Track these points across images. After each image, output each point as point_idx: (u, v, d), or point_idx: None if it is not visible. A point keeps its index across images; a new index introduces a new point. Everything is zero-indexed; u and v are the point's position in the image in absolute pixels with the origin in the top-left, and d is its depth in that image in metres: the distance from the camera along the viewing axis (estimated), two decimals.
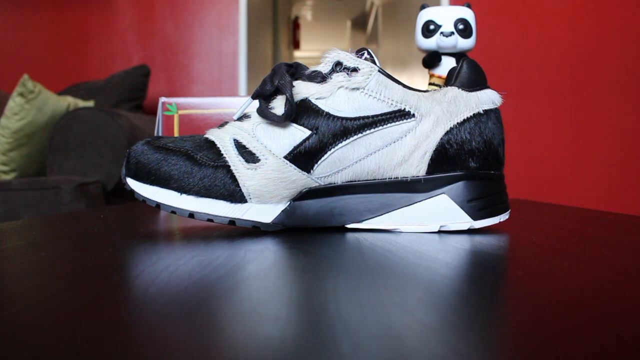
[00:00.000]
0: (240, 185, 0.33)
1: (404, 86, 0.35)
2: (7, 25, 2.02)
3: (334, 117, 0.34)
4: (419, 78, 1.75)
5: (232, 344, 0.13)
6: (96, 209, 0.59)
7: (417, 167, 0.35)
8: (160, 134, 0.57)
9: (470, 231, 0.36)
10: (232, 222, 0.34)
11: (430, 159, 0.35)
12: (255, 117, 0.35)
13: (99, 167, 1.29)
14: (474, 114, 0.35)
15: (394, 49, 2.37)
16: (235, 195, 0.34)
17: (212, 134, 0.35)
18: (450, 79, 0.38)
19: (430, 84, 0.56)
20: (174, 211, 0.33)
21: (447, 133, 0.35)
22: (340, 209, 0.35)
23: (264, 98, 0.36)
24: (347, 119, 0.34)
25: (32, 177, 1.30)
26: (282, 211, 0.35)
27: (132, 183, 0.34)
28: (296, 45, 4.53)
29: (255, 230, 0.37)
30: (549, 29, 1.61)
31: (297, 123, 0.34)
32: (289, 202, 0.35)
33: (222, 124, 0.37)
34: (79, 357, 0.12)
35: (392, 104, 0.34)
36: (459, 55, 0.54)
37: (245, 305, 0.17)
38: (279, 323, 0.15)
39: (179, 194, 0.33)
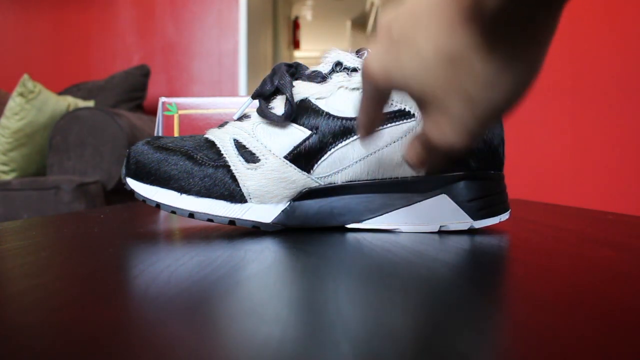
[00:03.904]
0: (240, 185, 0.33)
1: None
2: (7, 25, 2.02)
3: (334, 117, 0.34)
4: None
5: (232, 344, 0.13)
6: (96, 209, 0.59)
7: None
8: (160, 134, 0.57)
9: (470, 231, 0.36)
10: (232, 222, 0.34)
11: None
12: (255, 117, 0.35)
13: (99, 167, 1.29)
14: None
15: None
16: (235, 195, 0.34)
17: (212, 134, 0.35)
18: None
19: None
20: (174, 211, 0.33)
21: None
22: (340, 209, 0.35)
23: (264, 98, 0.36)
24: (347, 119, 0.34)
25: (32, 177, 1.30)
26: (282, 211, 0.35)
27: (132, 183, 0.34)
28: (296, 45, 4.53)
29: (255, 230, 0.36)
30: None
31: (297, 123, 0.34)
32: (288, 202, 0.35)
33: (222, 124, 0.37)
34: (78, 357, 0.12)
35: (392, 104, 0.34)
36: None
37: (245, 305, 0.17)
38: (279, 323, 0.15)
39: (179, 194, 0.33)
